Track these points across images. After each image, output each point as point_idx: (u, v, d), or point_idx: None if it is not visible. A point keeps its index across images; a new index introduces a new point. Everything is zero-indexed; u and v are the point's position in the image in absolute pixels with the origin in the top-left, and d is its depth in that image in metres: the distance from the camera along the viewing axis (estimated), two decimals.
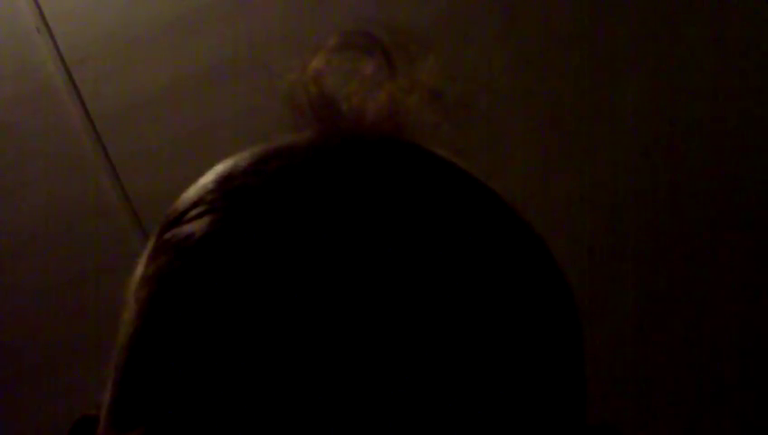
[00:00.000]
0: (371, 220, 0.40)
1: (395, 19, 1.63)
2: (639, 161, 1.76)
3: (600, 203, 1.78)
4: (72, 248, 1.87)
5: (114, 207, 1.84)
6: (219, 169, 0.45)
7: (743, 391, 1.84)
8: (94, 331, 1.89)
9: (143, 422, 0.39)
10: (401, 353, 0.37)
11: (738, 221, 1.78)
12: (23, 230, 1.87)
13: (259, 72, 1.73)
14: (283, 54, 1.71)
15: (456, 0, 1.69)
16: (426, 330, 0.38)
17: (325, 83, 0.46)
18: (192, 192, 0.44)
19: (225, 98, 1.78)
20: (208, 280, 0.39)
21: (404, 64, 0.46)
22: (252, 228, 0.40)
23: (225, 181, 0.43)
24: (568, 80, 1.72)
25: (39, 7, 1.74)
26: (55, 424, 1.92)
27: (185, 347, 0.38)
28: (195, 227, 0.41)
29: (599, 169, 1.77)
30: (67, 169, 1.83)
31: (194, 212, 0.42)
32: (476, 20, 1.69)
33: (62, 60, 1.77)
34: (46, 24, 1.75)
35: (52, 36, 1.76)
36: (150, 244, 0.45)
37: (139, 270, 0.44)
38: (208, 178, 0.44)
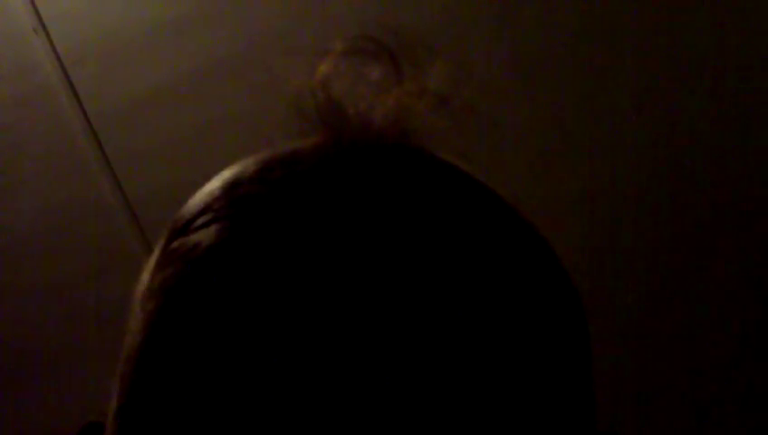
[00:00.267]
0: (377, 229, 0.40)
1: (394, 19, 1.63)
2: (639, 161, 1.76)
3: (599, 203, 1.79)
4: (69, 248, 1.87)
5: (112, 207, 1.84)
6: (225, 174, 0.44)
7: (743, 391, 1.84)
8: (92, 331, 1.89)
9: (150, 432, 0.39)
10: (411, 363, 0.37)
11: (738, 221, 1.78)
12: (20, 230, 1.87)
13: (257, 72, 1.73)
14: (281, 54, 1.70)
15: (455, 0, 1.69)
16: (433, 337, 0.38)
17: (332, 88, 0.45)
18: (198, 198, 0.44)
19: (223, 98, 1.78)
20: (214, 293, 0.39)
21: (411, 69, 0.46)
22: (258, 240, 0.40)
23: (231, 188, 0.43)
24: (568, 80, 1.72)
25: (36, 8, 1.74)
26: (54, 423, 1.92)
27: (191, 360, 0.38)
28: (201, 237, 0.41)
29: (598, 169, 1.77)
30: (64, 169, 1.83)
31: (200, 221, 0.42)
32: (476, 20, 1.69)
33: (59, 60, 1.77)
34: (43, 25, 1.75)
35: (48, 37, 1.76)
36: (157, 251, 0.44)
37: (146, 277, 0.44)
38: (215, 185, 0.44)
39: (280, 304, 0.38)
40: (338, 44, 0.46)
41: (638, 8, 1.68)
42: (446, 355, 0.38)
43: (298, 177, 0.42)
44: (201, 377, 0.38)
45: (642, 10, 1.68)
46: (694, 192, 1.77)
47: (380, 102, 0.45)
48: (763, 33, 1.68)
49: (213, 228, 0.41)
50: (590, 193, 1.77)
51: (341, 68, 0.46)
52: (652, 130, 1.75)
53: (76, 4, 1.74)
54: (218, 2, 1.71)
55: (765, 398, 1.83)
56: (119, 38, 1.75)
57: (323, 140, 0.45)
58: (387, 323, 0.38)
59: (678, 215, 1.78)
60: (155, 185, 1.80)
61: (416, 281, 0.39)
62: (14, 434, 2.00)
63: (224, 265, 0.40)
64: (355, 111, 0.45)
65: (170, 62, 1.76)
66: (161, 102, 1.78)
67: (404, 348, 0.37)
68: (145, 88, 1.77)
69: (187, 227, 0.43)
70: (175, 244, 0.43)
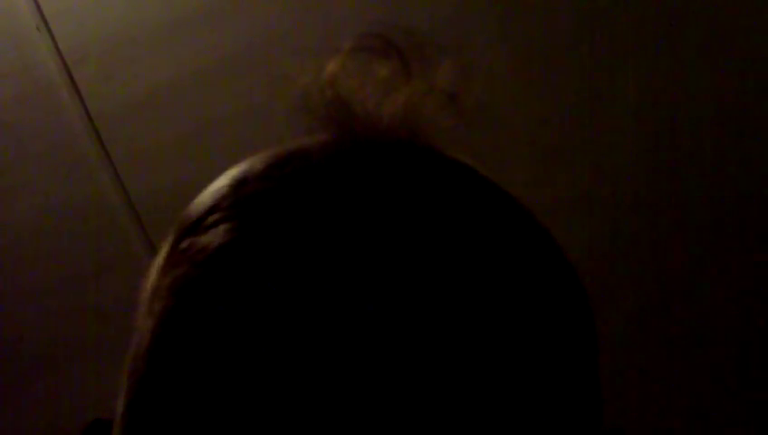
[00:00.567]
0: (385, 229, 0.40)
1: (395, 18, 1.63)
2: (640, 161, 1.76)
3: (601, 202, 1.78)
4: (72, 247, 1.87)
5: (114, 206, 1.84)
6: (234, 172, 0.44)
7: (743, 391, 1.84)
8: (94, 330, 1.89)
9: (157, 431, 0.39)
10: (417, 366, 0.37)
11: (739, 220, 1.78)
12: (23, 230, 1.87)
13: (260, 70, 1.73)
14: (282, 53, 1.70)
15: (456, 0, 1.69)
16: (441, 339, 0.38)
17: (340, 86, 0.45)
18: (207, 196, 0.44)
19: (226, 97, 1.78)
20: (222, 296, 0.39)
21: (420, 67, 0.46)
22: (265, 241, 0.40)
23: (239, 186, 0.43)
24: (568, 80, 1.72)
25: (39, 6, 1.74)
26: (55, 423, 1.92)
27: (199, 363, 0.39)
28: (209, 238, 0.41)
29: (600, 168, 1.77)
30: (66, 167, 1.83)
31: (209, 220, 0.42)
32: (479, 19, 1.69)
33: (62, 59, 1.77)
34: (46, 23, 1.75)
35: (51, 35, 1.75)
36: (166, 248, 0.44)
37: (154, 276, 0.44)
38: (223, 182, 0.44)
39: (287, 307, 0.38)
40: (346, 42, 0.46)
41: (639, 8, 1.68)
42: (453, 357, 0.38)
43: (306, 175, 0.42)
44: (208, 379, 0.38)
45: (643, 10, 1.68)
46: (696, 192, 1.77)
47: (389, 100, 0.45)
48: (764, 33, 1.68)
49: (221, 229, 0.41)
50: (592, 192, 1.78)
51: (350, 66, 0.46)
52: (654, 130, 1.75)
53: (79, 3, 1.74)
54: (222, 1, 1.71)
55: (766, 398, 1.83)
56: (122, 36, 1.75)
57: (332, 137, 0.45)
58: (396, 324, 0.38)
59: (680, 214, 1.78)
60: (157, 184, 1.80)
61: (425, 281, 0.39)
62: (15, 434, 2.00)
63: (231, 267, 0.40)
64: (363, 109, 0.45)
65: (173, 60, 1.76)
66: (164, 101, 1.78)
67: (411, 350, 0.38)
68: (147, 87, 1.77)
69: (195, 226, 0.43)
70: (184, 244, 0.43)
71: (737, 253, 1.79)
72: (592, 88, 1.73)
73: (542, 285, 0.41)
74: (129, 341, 0.44)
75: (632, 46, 1.70)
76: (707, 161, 1.76)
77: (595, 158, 1.77)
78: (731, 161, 1.75)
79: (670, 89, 1.73)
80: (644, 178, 1.77)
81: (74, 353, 1.92)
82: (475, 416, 0.38)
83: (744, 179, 1.76)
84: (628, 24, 1.69)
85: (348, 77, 0.46)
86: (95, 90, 1.78)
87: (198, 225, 0.43)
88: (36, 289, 1.90)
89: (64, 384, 1.94)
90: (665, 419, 1.87)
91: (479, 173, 0.44)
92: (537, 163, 1.76)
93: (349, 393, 0.37)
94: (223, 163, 0.46)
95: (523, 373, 0.39)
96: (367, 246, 0.39)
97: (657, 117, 1.74)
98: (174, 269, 0.42)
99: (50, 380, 1.96)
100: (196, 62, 1.75)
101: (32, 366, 1.96)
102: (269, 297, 0.38)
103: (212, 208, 0.43)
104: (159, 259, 0.44)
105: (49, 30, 1.75)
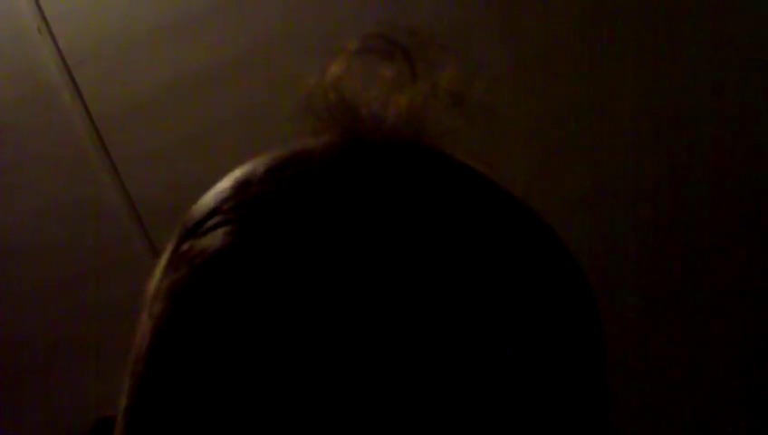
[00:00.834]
0: (389, 234, 0.39)
1: (395, 18, 1.63)
2: (643, 161, 1.76)
3: (602, 202, 1.78)
4: (73, 249, 1.87)
5: (115, 208, 1.84)
6: (237, 174, 0.44)
7: (743, 392, 1.84)
8: (96, 331, 1.89)
9: (157, 430, 0.39)
10: (422, 369, 0.37)
11: (739, 220, 1.78)
12: (24, 231, 1.87)
13: (261, 73, 1.73)
14: (284, 55, 1.70)
15: (460, 0, 1.69)
16: (447, 341, 0.38)
17: (345, 87, 0.45)
18: (209, 198, 0.44)
19: (227, 98, 1.78)
20: (220, 300, 0.39)
21: (425, 69, 0.46)
22: (265, 246, 0.40)
23: (241, 188, 0.43)
24: (571, 80, 1.72)
25: (40, 7, 1.73)
26: (55, 423, 1.92)
27: (196, 367, 0.39)
28: (209, 241, 0.41)
29: (602, 168, 1.77)
30: (68, 169, 1.83)
31: (210, 223, 0.42)
32: (478, 20, 1.69)
33: (63, 60, 1.76)
34: (47, 25, 1.75)
35: (53, 37, 1.75)
36: (169, 250, 0.44)
37: (156, 277, 0.44)
38: (225, 184, 0.44)
39: (283, 312, 0.38)
40: (350, 43, 0.46)
41: (640, 8, 1.68)
42: (458, 358, 0.38)
43: (309, 177, 0.42)
44: (202, 383, 0.38)
45: (644, 10, 1.68)
46: (697, 192, 1.77)
47: (393, 102, 0.45)
48: (764, 33, 1.68)
49: (221, 232, 0.41)
50: (594, 192, 1.77)
51: (354, 67, 0.46)
52: (657, 130, 1.75)
53: (80, 4, 1.73)
54: (223, 3, 1.71)
55: (766, 398, 1.83)
56: (123, 38, 1.75)
57: (336, 138, 0.45)
58: (400, 328, 0.38)
59: (682, 214, 1.78)
60: (159, 186, 1.80)
61: (429, 284, 0.39)
62: (16, 433, 2.00)
63: (230, 272, 0.40)
64: (368, 110, 0.45)
65: (175, 62, 1.76)
66: (166, 103, 1.78)
67: (416, 354, 0.37)
68: (149, 88, 1.77)
69: (196, 228, 0.43)
70: (185, 246, 0.43)
71: (738, 253, 1.79)
72: (595, 88, 1.72)
73: (548, 285, 0.41)
74: (130, 341, 0.44)
75: (634, 47, 1.70)
76: (708, 161, 1.76)
77: (597, 158, 1.77)
78: (732, 161, 1.75)
79: (672, 89, 1.73)
80: (647, 177, 1.77)
81: (75, 354, 1.92)
82: (481, 417, 0.37)
83: (744, 179, 1.76)
84: (631, 24, 1.69)
85: (352, 78, 0.45)
86: (96, 91, 1.78)
87: (199, 227, 0.43)
88: (37, 290, 1.90)
89: (65, 384, 1.94)
90: (665, 419, 1.87)
91: (484, 175, 0.44)
92: (540, 162, 1.76)
93: (349, 396, 0.37)
94: (225, 165, 0.46)
95: (531, 374, 0.39)
96: (368, 250, 0.39)
97: (660, 116, 1.74)
98: (173, 272, 0.42)
99: (50, 380, 1.96)
100: (197, 64, 1.75)
101: (32, 366, 1.96)
102: (265, 303, 0.38)
103: (213, 211, 0.43)
104: (162, 261, 0.44)
105: (50, 32, 1.75)
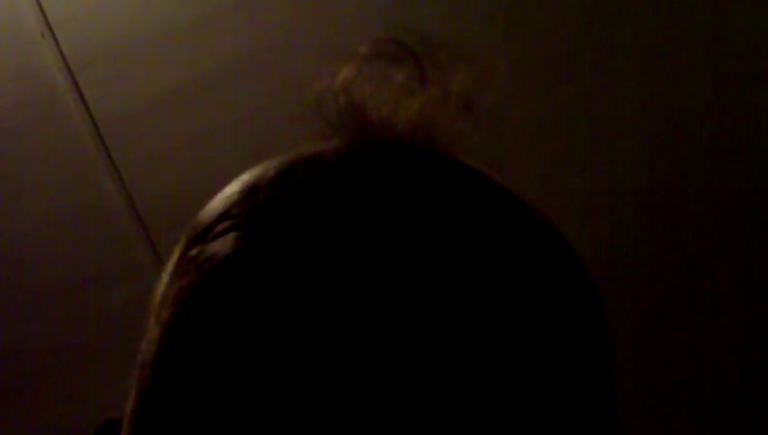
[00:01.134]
0: (398, 241, 0.39)
1: (399, 21, 1.63)
2: (643, 162, 1.77)
3: (606, 204, 1.79)
4: (76, 253, 1.87)
5: (119, 213, 1.84)
6: (245, 178, 0.44)
7: (743, 392, 1.84)
8: (98, 336, 1.89)
9: None
10: (429, 374, 0.37)
11: (739, 220, 1.78)
12: (27, 235, 1.87)
13: (265, 76, 1.73)
14: (289, 59, 1.70)
15: (461, 1, 1.69)
16: (455, 344, 0.38)
17: (355, 92, 0.45)
18: (218, 203, 0.44)
19: (230, 103, 1.78)
20: (227, 306, 0.39)
21: (435, 73, 0.45)
22: (274, 252, 0.40)
23: (250, 193, 0.43)
24: (577, 84, 1.72)
25: (43, 12, 1.73)
26: (58, 428, 1.91)
27: (203, 373, 0.39)
28: (218, 246, 0.41)
29: (603, 169, 1.78)
30: (71, 173, 1.83)
31: (218, 228, 0.42)
32: (482, 22, 1.69)
33: (67, 64, 1.76)
34: (51, 29, 1.75)
35: (56, 41, 1.75)
36: (177, 254, 0.44)
37: (164, 282, 0.44)
38: (234, 189, 0.44)
39: (291, 319, 0.38)
40: (361, 48, 0.46)
41: (642, 9, 1.68)
42: (466, 361, 0.38)
43: (318, 183, 0.42)
44: (214, 390, 0.38)
45: (645, 11, 1.69)
46: (700, 193, 1.77)
47: (404, 106, 0.45)
48: (764, 34, 1.68)
49: (230, 237, 0.41)
50: (598, 193, 1.78)
51: (365, 71, 0.46)
52: (660, 132, 1.75)
53: (84, 9, 1.73)
54: (227, 5, 1.71)
55: (766, 398, 1.83)
56: (126, 42, 1.75)
57: (346, 143, 0.44)
58: (412, 338, 0.37)
59: (685, 215, 1.78)
60: (162, 191, 1.80)
61: (438, 290, 0.38)
62: None
63: (240, 278, 0.40)
64: (378, 114, 0.45)
65: (178, 66, 1.76)
66: (169, 107, 1.78)
67: (423, 359, 0.37)
68: (152, 92, 1.77)
69: (205, 233, 0.43)
70: (193, 251, 0.42)
71: (739, 252, 1.79)
72: (601, 92, 1.73)
73: (557, 289, 0.41)
74: (135, 346, 0.44)
75: (640, 51, 1.70)
76: (709, 162, 1.76)
77: (604, 161, 1.77)
78: (732, 161, 1.76)
79: (679, 92, 1.73)
80: (653, 180, 1.77)
81: (78, 359, 1.92)
82: (485, 418, 0.37)
83: (744, 179, 1.76)
84: (636, 27, 1.69)
85: (362, 83, 0.45)
86: (100, 95, 1.78)
87: (208, 232, 0.42)
88: (40, 294, 1.90)
89: (68, 389, 1.94)
90: (665, 418, 1.87)
91: (495, 180, 0.44)
92: (545, 164, 1.76)
93: (360, 407, 0.36)
94: (228, 170, 0.46)
95: (535, 376, 0.39)
96: (377, 256, 0.39)
97: (666, 120, 1.75)
98: (182, 278, 0.42)
99: (53, 385, 1.96)
100: (201, 68, 1.75)
101: (35, 371, 1.96)
102: (274, 310, 0.38)
103: (222, 216, 0.42)
104: (170, 266, 0.44)
105: (54, 36, 1.75)
